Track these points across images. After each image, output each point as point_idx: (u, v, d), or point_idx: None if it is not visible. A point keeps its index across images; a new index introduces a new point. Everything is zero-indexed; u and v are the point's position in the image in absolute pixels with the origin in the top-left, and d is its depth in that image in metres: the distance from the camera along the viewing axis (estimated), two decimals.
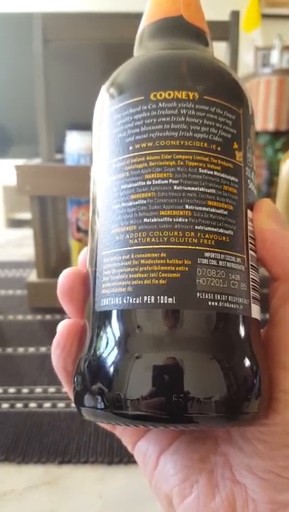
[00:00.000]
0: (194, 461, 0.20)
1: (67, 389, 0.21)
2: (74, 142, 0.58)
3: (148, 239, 0.17)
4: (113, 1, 1.49)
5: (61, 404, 0.39)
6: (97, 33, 0.56)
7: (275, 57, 2.04)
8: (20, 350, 0.49)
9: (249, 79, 1.85)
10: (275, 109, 1.78)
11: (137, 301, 0.16)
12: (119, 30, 0.55)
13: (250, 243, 0.19)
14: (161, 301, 0.16)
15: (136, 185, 0.18)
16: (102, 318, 0.18)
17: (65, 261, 0.66)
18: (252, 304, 0.18)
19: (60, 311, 0.62)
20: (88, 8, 1.86)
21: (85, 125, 0.56)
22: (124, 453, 0.33)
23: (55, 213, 0.64)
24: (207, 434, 0.21)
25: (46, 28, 0.54)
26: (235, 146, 0.19)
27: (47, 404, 0.39)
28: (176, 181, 0.17)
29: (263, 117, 1.79)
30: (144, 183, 0.18)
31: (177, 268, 0.16)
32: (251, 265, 0.18)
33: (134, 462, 0.33)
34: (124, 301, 0.17)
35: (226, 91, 0.19)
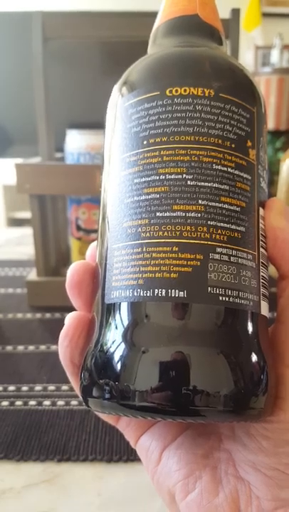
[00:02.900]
0: (198, 457, 0.20)
1: (72, 382, 0.21)
2: (74, 141, 0.58)
3: (160, 233, 0.17)
4: None
5: (61, 402, 0.39)
6: (97, 31, 0.56)
7: (275, 56, 2.03)
8: (20, 348, 0.49)
9: None
10: (275, 108, 1.77)
11: (148, 294, 0.16)
12: (118, 28, 0.55)
13: (262, 241, 0.19)
14: (172, 295, 0.16)
15: (149, 179, 0.18)
16: (112, 311, 0.18)
17: (65, 260, 0.66)
18: (261, 301, 0.18)
19: (60, 310, 0.62)
20: (88, 7, 1.85)
21: (84, 124, 0.56)
22: (124, 451, 0.33)
23: (55, 212, 0.64)
24: (211, 430, 0.21)
25: (46, 26, 0.54)
26: (249, 144, 0.19)
27: (46, 403, 0.39)
28: (190, 176, 0.17)
29: None
30: (157, 178, 0.18)
31: (189, 262, 0.16)
32: (262, 262, 0.18)
33: (133, 460, 0.33)
34: (135, 294, 0.17)
35: (241, 89, 0.19)
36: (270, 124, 1.80)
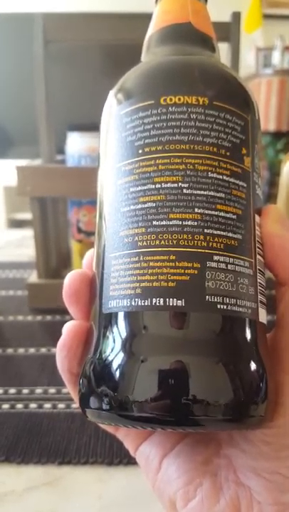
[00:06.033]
0: (198, 464, 0.20)
1: (71, 391, 0.21)
2: (75, 143, 0.58)
3: (157, 241, 0.17)
4: (113, 1, 1.49)
5: (61, 405, 0.39)
6: (98, 33, 0.56)
7: (276, 57, 2.03)
8: (21, 350, 0.49)
9: (250, 80, 1.85)
10: (276, 109, 1.77)
11: (146, 303, 0.16)
12: (119, 30, 0.55)
13: (258, 248, 0.19)
14: (170, 304, 0.16)
15: (145, 188, 0.18)
16: (109, 320, 0.17)
17: (66, 262, 0.66)
18: (259, 308, 0.18)
19: (61, 312, 0.62)
20: (89, 9, 1.86)
21: (85, 126, 0.56)
22: (124, 454, 0.33)
23: (56, 214, 0.64)
24: (210, 437, 0.21)
25: (47, 28, 0.54)
26: (244, 151, 0.19)
27: (47, 405, 0.39)
28: (186, 185, 0.17)
29: (264, 118, 1.79)
30: (153, 186, 0.18)
31: (186, 271, 0.16)
32: (259, 270, 0.18)
33: (134, 463, 0.33)
34: (133, 303, 0.17)
35: (234, 97, 0.20)
36: (272, 126, 1.80)
